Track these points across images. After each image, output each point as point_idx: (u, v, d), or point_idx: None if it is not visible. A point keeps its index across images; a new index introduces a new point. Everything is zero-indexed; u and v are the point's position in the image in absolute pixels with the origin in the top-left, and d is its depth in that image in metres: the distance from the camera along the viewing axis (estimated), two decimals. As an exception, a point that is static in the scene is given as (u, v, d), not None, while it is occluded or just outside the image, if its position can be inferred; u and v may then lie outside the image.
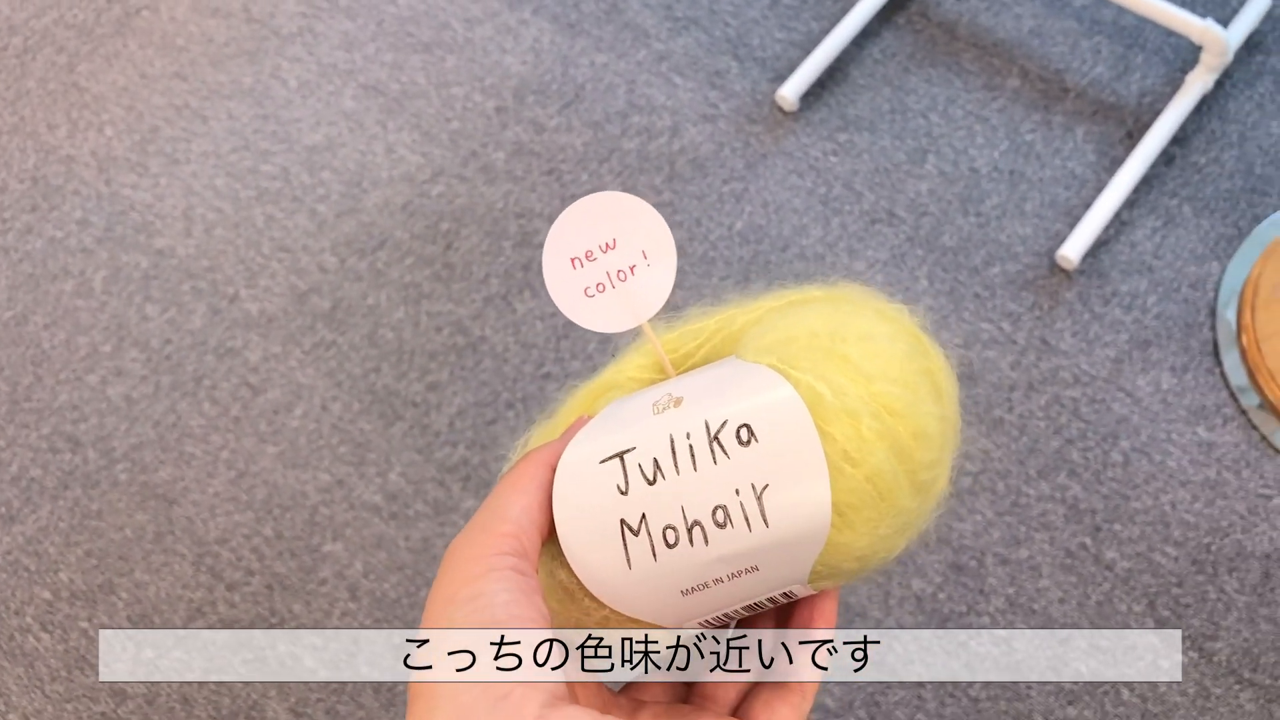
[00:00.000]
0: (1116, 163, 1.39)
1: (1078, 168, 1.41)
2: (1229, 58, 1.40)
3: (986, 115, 1.46)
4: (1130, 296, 1.33)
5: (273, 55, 1.59)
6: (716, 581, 0.36)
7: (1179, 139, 1.41)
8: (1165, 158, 1.40)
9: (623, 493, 0.36)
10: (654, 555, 0.36)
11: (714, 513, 0.35)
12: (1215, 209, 1.37)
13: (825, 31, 1.50)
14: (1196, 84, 1.41)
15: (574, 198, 1.54)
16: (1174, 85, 1.44)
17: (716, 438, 0.35)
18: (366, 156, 1.50)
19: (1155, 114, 1.41)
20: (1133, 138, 1.41)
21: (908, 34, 1.52)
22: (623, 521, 0.36)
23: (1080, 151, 1.42)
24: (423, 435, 1.31)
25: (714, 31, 1.55)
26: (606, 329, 0.42)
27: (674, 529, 0.35)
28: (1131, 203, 1.38)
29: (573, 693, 0.36)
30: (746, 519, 0.35)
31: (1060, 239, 1.35)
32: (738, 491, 0.35)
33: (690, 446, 0.35)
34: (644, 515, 0.36)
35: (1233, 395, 1.26)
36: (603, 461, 0.37)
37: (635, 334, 0.44)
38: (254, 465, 1.31)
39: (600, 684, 0.40)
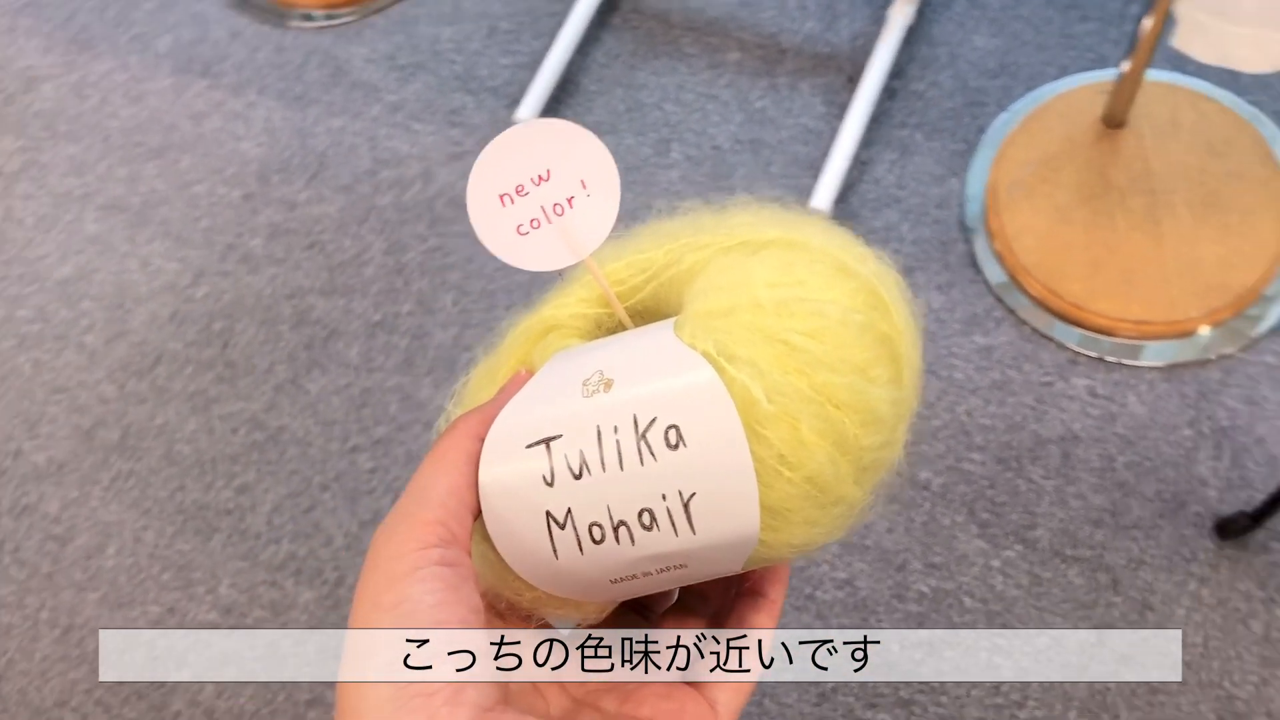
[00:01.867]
0: (844, 108, 1.45)
1: (810, 121, 1.47)
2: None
3: (716, 93, 1.50)
4: (885, 230, 1.39)
5: (1, 197, 1.54)
6: (645, 574, 0.35)
7: (896, 72, 1.48)
8: (888, 93, 1.47)
9: (548, 484, 0.34)
10: (580, 549, 0.35)
11: (640, 515, 0.34)
12: (943, 129, 1.44)
13: (547, 48, 1.53)
14: (899, 17, 1.48)
15: (342, 265, 1.54)
16: (879, 23, 1.51)
17: (645, 436, 0.34)
18: (122, 276, 1.46)
19: (868, 54, 1.48)
20: (853, 81, 1.47)
21: (626, 33, 1.56)
22: (549, 514, 0.34)
23: (809, 106, 1.48)
24: (243, 541, 1.29)
25: (441, 72, 1.56)
26: (545, 267, 0.39)
27: (599, 527, 0.34)
28: (867, 142, 1.44)
29: (505, 690, 0.34)
30: (673, 524, 0.34)
31: (810, 193, 1.40)
32: (664, 497, 0.33)
33: (618, 443, 0.34)
34: (569, 511, 0.34)
35: (998, 298, 1.33)
36: (529, 446, 0.35)
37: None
38: (78, 617, 1.26)
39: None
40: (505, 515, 0.35)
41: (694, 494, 0.33)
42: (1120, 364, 1.28)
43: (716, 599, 0.41)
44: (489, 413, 0.36)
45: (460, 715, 0.31)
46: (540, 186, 0.38)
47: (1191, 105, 1.40)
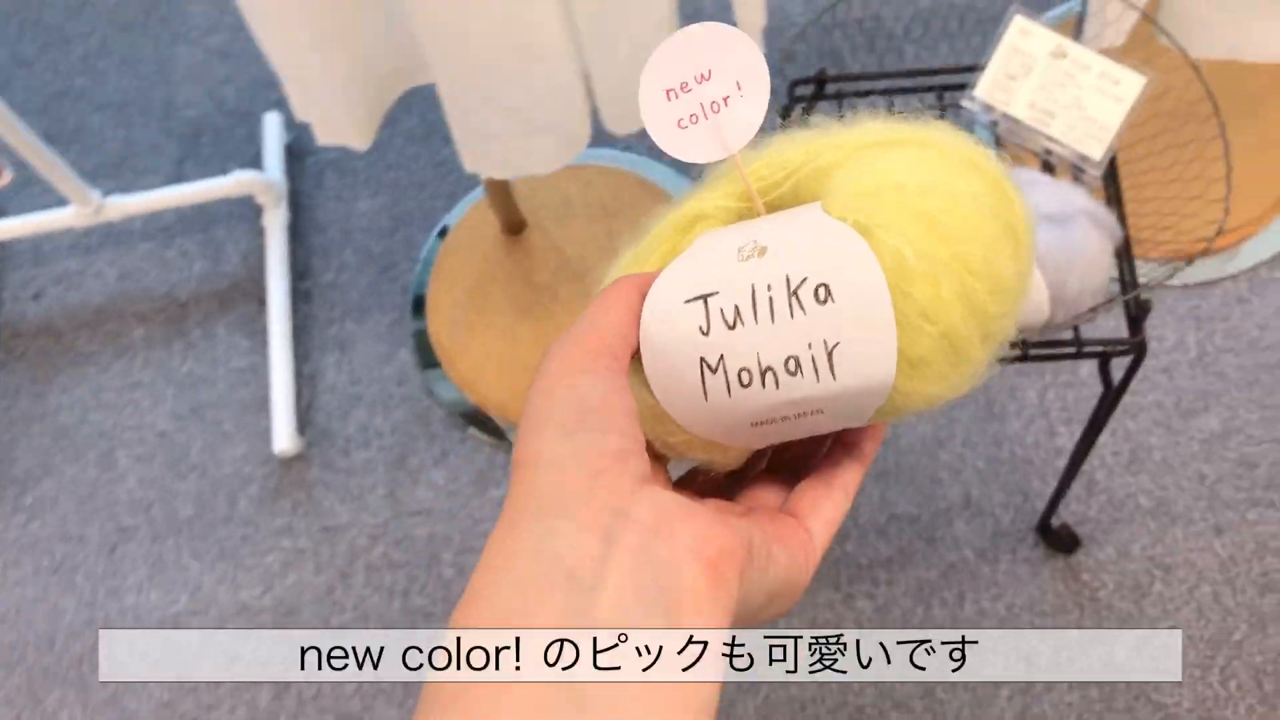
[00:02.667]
0: (266, 332, 1.38)
1: (240, 361, 1.38)
2: (283, 189, 1.43)
3: (138, 379, 1.39)
4: (362, 433, 1.33)
5: None
6: (784, 419, 0.39)
7: (300, 274, 1.43)
8: (302, 297, 1.41)
9: (704, 334, 0.38)
10: (729, 392, 0.38)
11: (786, 362, 0.37)
12: (369, 307, 1.40)
13: (-65, 421, 1.36)
14: (274, 221, 1.42)
15: None
16: (261, 234, 1.45)
17: (796, 293, 0.37)
18: None
19: (264, 267, 1.41)
20: (263, 302, 1.40)
21: (16, 364, 1.42)
22: (703, 360, 0.38)
23: (233, 346, 1.40)
24: None
25: None
26: (699, 159, 0.42)
27: (748, 372, 0.38)
28: (304, 355, 1.37)
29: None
30: (816, 371, 0.37)
31: (269, 436, 1.32)
32: (810, 345, 0.37)
33: (770, 299, 0.37)
34: (722, 357, 0.38)
35: (492, 444, 1.31)
36: (687, 301, 0.38)
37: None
38: None
39: (667, 474, 0.43)
40: (663, 361, 0.39)
41: (838, 343, 0.37)
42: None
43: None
44: (648, 276, 0.40)
45: (626, 479, 0.34)
46: (702, 85, 0.41)
47: (574, 179, 1.43)
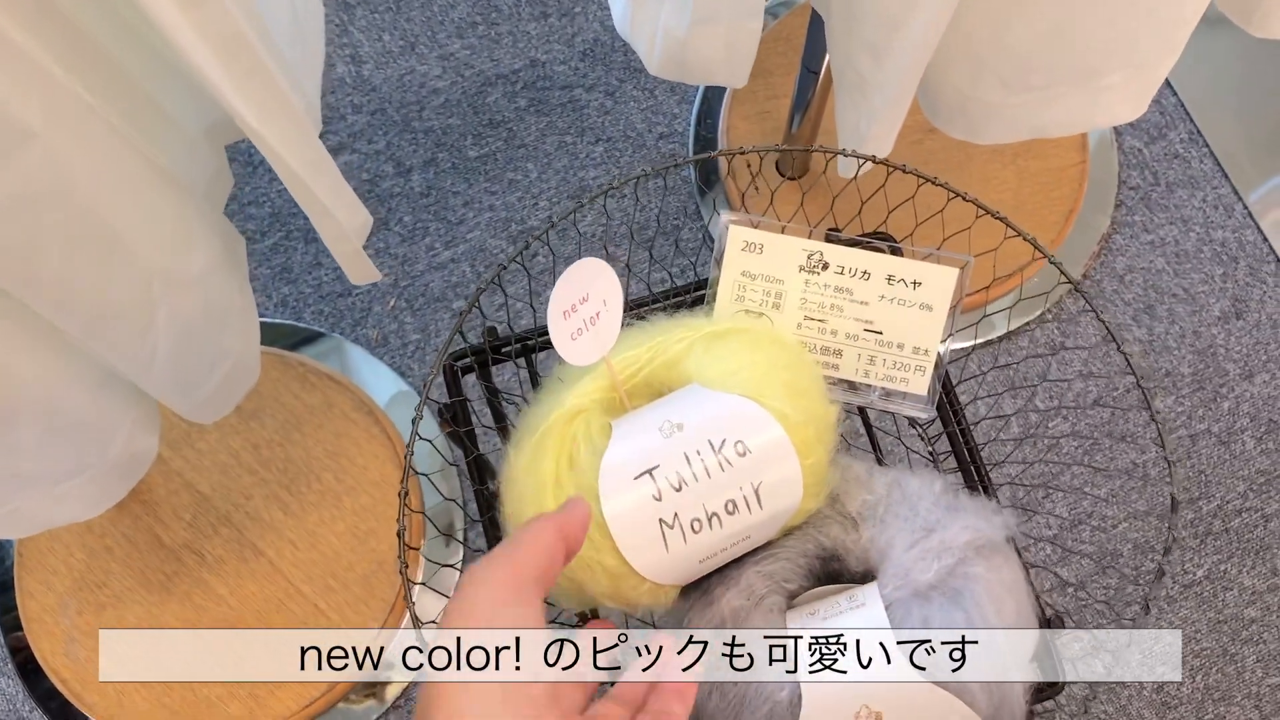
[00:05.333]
0: None
1: None
2: None
3: None
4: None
5: None
6: (723, 550, 0.50)
7: None
8: None
9: (657, 500, 0.48)
10: (684, 539, 0.49)
11: (726, 505, 0.49)
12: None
13: None
14: None
15: None
16: None
17: (720, 452, 0.49)
18: None
19: None
20: None
21: None
22: (660, 519, 0.48)
23: None
24: None
25: None
26: (583, 362, 0.52)
27: (699, 520, 0.49)
28: None
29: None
30: (748, 506, 0.49)
31: None
32: (741, 488, 0.49)
33: (703, 461, 0.49)
34: (676, 514, 0.48)
35: None
36: (636, 478, 0.49)
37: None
38: None
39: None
40: (628, 528, 0.48)
41: (761, 482, 0.49)
42: None
43: None
44: (564, 517, 0.43)
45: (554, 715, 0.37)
46: (583, 305, 0.52)
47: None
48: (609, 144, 1.11)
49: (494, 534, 0.57)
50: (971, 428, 0.59)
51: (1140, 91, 0.72)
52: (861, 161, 0.65)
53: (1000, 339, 1.06)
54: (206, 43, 0.48)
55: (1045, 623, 0.54)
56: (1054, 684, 0.53)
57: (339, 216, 0.60)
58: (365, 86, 1.12)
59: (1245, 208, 1.11)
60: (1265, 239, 1.10)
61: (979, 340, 1.05)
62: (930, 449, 0.60)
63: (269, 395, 1.03)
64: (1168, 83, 1.15)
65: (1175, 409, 1.05)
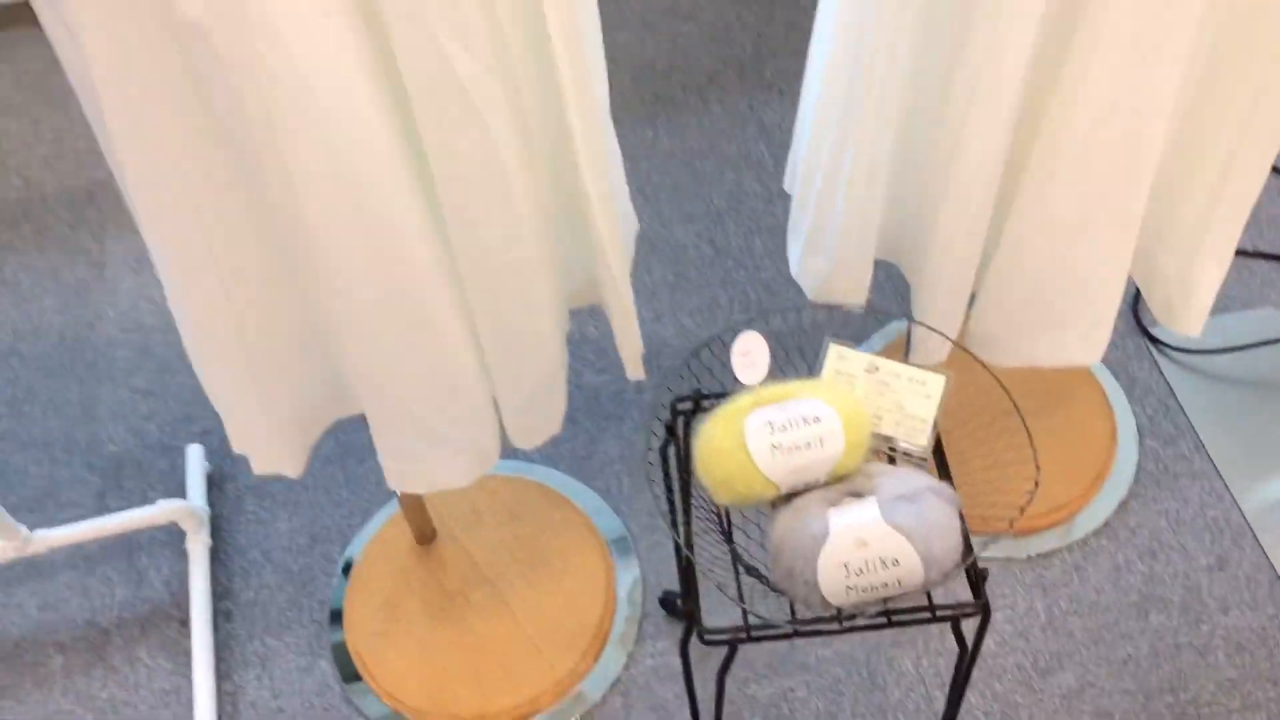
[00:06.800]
0: (190, 654, 1.43)
1: (164, 683, 1.43)
2: (205, 515, 1.53)
3: (57, 707, 1.42)
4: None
5: None
6: (801, 469, 0.95)
7: (221, 594, 1.50)
8: (223, 616, 1.48)
9: (771, 436, 0.94)
10: (784, 457, 0.94)
11: (805, 443, 0.95)
12: (289, 621, 1.48)
13: None
14: (197, 546, 1.51)
15: None
16: (183, 557, 1.53)
17: (806, 421, 0.94)
18: None
19: (187, 590, 1.49)
20: (185, 624, 1.47)
21: (-70, 700, 1.44)
22: (773, 445, 0.94)
23: (156, 670, 1.44)
24: None
25: None
26: (750, 383, 1.00)
27: (793, 449, 0.94)
28: (225, 674, 1.43)
29: None
30: (814, 447, 0.95)
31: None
32: (810, 440, 0.94)
33: (797, 424, 0.94)
34: (780, 444, 0.94)
35: (412, 746, 1.36)
36: (763, 425, 0.95)
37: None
38: None
39: None
40: (758, 450, 0.95)
41: (822, 437, 0.95)
42: (539, 742, 1.36)
43: None
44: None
45: None
46: (750, 353, 1.01)
47: (480, 488, 1.56)
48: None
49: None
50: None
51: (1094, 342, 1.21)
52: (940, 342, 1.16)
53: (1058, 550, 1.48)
54: (609, 221, 1.06)
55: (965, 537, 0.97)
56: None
57: (635, 324, 1.15)
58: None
59: (1233, 497, 1.53)
60: (1246, 521, 1.51)
61: (1018, 555, 1.47)
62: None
63: (526, 504, 1.55)
64: (1178, 403, 1.61)
65: (1165, 625, 1.43)
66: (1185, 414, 1.62)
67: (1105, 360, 1.65)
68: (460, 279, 1.03)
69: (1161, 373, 1.66)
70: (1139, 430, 1.60)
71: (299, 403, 1.14)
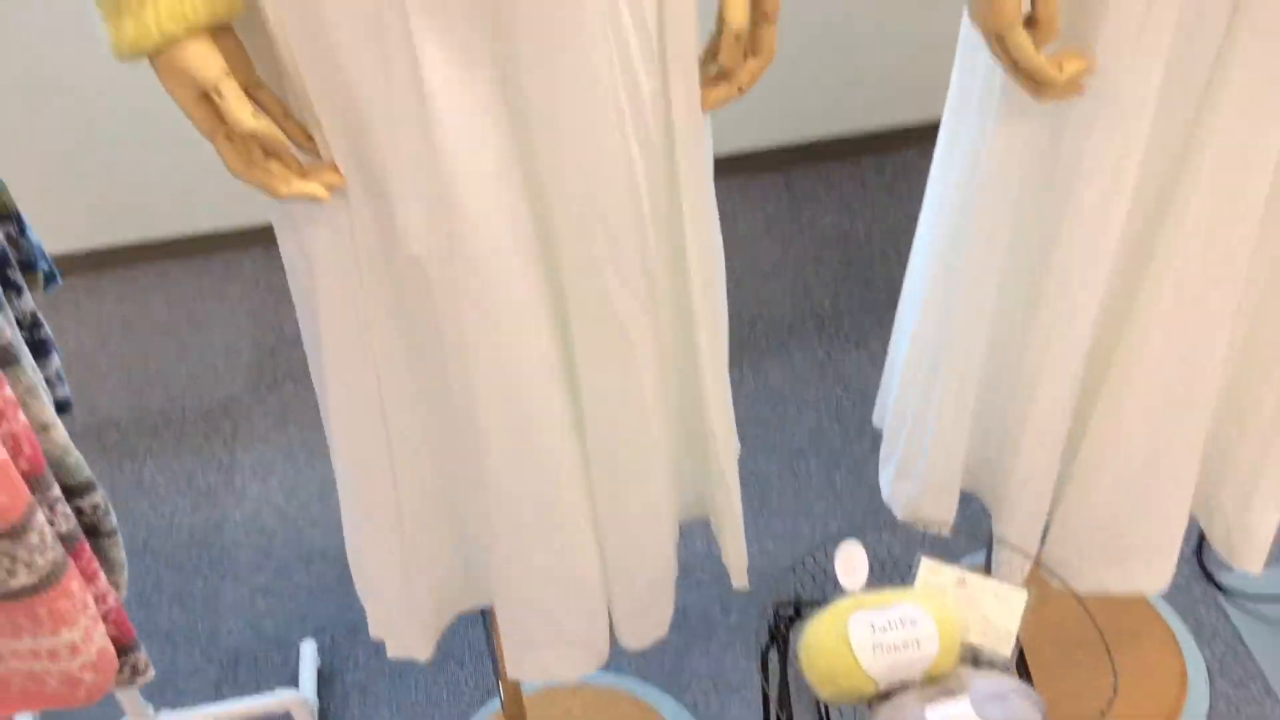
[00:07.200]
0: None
1: None
2: (314, 707, 1.63)
3: None
4: None
5: None
6: (900, 668, 1.02)
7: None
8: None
9: (874, 638, 1.02)
10: (884, 657, 1.01)
11: (902, 645, 1.03)
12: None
13: None
14: (308, 737, 1.60)
15: None
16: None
17: (903, 623, 1.04)
18: None
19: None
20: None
21: None
22: (875, 646, 1.02)
23: None
24: None
25: None
26: (851, 589, 1.10)
27: (891, 649, 1.02)
28: None
29: None
30: (911, 648, 1.04)
31: None
32: (908, 643, 1.04)
33: (895, 626, 1.04)
34: (880, 645, 1.02)
35: None
36: (865, 628, 1.03)
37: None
38: None
39: None
40: (861, 649, 1.03)
41: (918, 640, 1.04)
42: None
43: None
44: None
45: None
46: (851, 564, 1.12)
47: (575, 697, 1.65)
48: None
49: None
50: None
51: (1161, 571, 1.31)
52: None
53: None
54: (728, 447, 1.21)
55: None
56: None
57: (742, 538, 1.28)
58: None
59: (1304, 742, 1.57)
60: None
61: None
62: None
63: (620, 713, 1.63)
64: (1246, 647, 1.68)
65: None
66: (1254, 659, 1.68)
67: (1172, 603, 1.74)
68: (594, 490, 1.17)
69: (1228, 617, 1.73)
70: (1209, 672, 1.66)
71: (438, 593, 1.26)
